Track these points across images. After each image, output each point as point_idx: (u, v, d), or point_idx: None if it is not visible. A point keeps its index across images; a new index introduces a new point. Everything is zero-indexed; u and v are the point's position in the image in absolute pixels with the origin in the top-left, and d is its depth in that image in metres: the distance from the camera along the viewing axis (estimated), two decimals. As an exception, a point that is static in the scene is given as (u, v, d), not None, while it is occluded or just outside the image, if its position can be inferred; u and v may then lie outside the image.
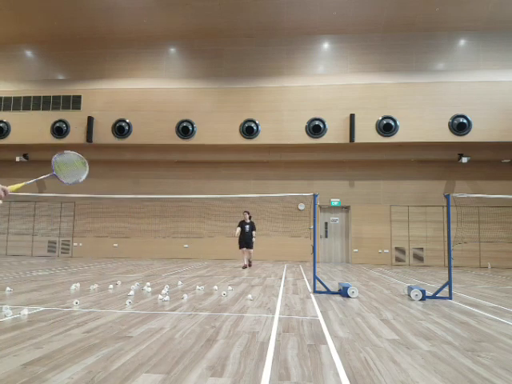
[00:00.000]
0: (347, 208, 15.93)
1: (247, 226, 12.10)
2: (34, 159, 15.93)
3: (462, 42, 14.68)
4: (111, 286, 6.99)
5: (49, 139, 15.23)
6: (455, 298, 6.63)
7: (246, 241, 12.00)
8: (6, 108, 15.74)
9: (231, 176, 16.11)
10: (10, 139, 15.50)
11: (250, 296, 6.11)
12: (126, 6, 14.51)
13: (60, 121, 15.33)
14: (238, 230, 11.94)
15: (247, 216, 12.18)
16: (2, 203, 2.47)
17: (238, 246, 12.20)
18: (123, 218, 15.72)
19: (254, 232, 12.12)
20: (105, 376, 2.64)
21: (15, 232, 16.46)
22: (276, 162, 15.78)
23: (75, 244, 16.12)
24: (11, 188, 2.54)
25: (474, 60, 14.49)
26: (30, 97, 15.69)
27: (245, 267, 11.92)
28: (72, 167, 2.79)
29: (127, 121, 15.16)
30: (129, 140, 15.15)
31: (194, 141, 14.92)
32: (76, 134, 15.21)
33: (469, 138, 13.95)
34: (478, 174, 15.20)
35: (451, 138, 14.04)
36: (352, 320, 4.67)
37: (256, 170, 16.08)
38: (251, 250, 12.15)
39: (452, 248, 6.70)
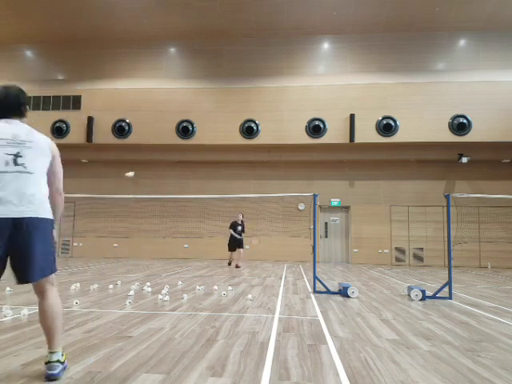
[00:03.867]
0: (347, 208, 15.93)
1: (239, 227, 11.91)
2: (34, 159, 15.90)
3: (462, 42, 14.68)
4: (111, 286, 6.99)
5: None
6: (455, 297, 6.63)
7: (236, 241, 11.81)
8: (6, 108, 15.72)
9: (231, 176, 16.11)
10: None
11: (250, 296, 6.11)
12: (126, 6, 14.50)
13: (60, 121, 15.33)
14: (231, 231, 11.94)
15: (240, 217, 12.06)
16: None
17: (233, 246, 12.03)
18: (123, 218, 15.71)
19: (242, 233, 12.03)
20: (105, 376, 2.64)
21: (15, 232, 16.46)
22: (276, 161, 15.78)
23: (75, 244, 16.12)
24: None
25: (474, 60, 14.50)
26: (30, 97, 15.66)
27: (230, 263, 11.98)
28: None
29: (127, 121, 15.16)
30: (129, 140, 15.15)
31: (194, 141, 14.92)
32: (76, 134, 15.22)
33: (469, 137, 13.95)
34: (478, 174, 15.20)
35: (451, 138, 14.04)
36: (352, 320, 4.67)
37: (256, 170, 16.08)
38: (241, 250, 11.86)
39: (452, 248, 6.70)
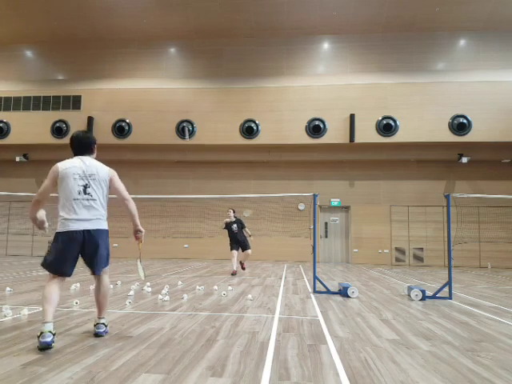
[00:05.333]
0: (347, 208, 15.93)
1: (234, 226, 10.16)
2: (33, 159, 15.93)
3: (462, 42, 14.68)
4: (111, 286, 6.98)
5: (49, 139, 15.24)
6: (455, 298, 6.63)
7: (239, 242, 10.16)
8: (6, 108, 15.74)
9: (231, 176, 16.11)
10: (10, 139, 15.50)
11: (250, 296, 6.11)
12: (126, 6, 14.51)
13: (60, 121, 15.33)
14: (224, 222, 10.24)
15: (232, 214, 10.22)
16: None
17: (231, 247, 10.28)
18: (123, 218, 15.64)
19: (247, 229, 10.32)
20: (105, 376, 2.64)
21: (15, 232, 16.46)
22: (276, 161, 15.78)
23: (75, 244, 16.10)
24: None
25: (474, 60, 14.50)
26: (30, 97, 15.68)
27: (234, 273, 9.88)
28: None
29: (127, 121, 15.16)
30: (129, 140, 15.15)
31: (193, 141, 14.92)
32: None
33: (469, 137, 13.95)
34: (478, 174, 15.20)
35: (451, 138, 14.04)
36: (352, 320, 4.67)
37: (256, 170, 16.08)
38: (249, 251, 10.25)
39: (452, 248, 6.70)
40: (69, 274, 3.55)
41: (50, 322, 3.25)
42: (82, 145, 3.78)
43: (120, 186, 3.84)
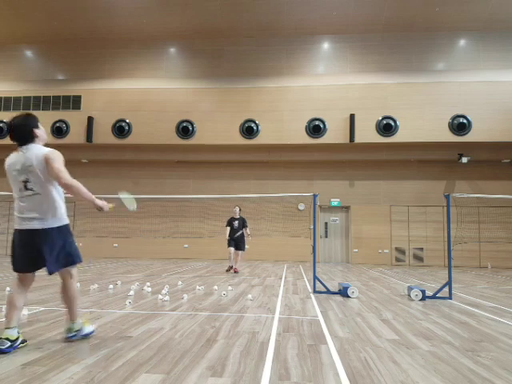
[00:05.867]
0: (347, 208, 15.93)
1: (236, 223, 10.34)
2: (33, 159, 15.91)
3: (462, 42, 14.68)
4: (111, 286, 6.99)
5: (49, 139, 15.01)
6: (455, 297, 6.63)
7: (235, 240, 10.31)
8: (6, 108, 15.74)
9: (231, 176, 16.11)
10: (9, 139, 15.49)
11: (250, 296, 6.11)
12: (126, 6, 14.51)
13: (60, 121, 15.33)
14: (228, 230, 10.44)
15: (237, 211, 10.50)
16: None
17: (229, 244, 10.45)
18: (123, 218, 15.68)
19: (247, 229, 10.44)
20: (105, 376, 2.64)
21: (15, 232, 16.44)
22: (276, 162, 15.78)
23: (75, 244, 16.09)
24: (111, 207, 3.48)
25: (474, 60, 14.50)
26: (30, 97, 15.68)
27: (229, 269, 10.28)
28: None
29: (127, 121, 15.15)
30: (129, 140, 15.14)
31: (194, 141, 14.93)
32: (76, 134, 15.22)
33: (469, 137, 13.95)
34: (478, 174, 15.20)
35: (451, 137, 14.04)
36: (352, 320, 4.67)
37: (256, 170, 16.08)
38: (240, 252, 10.40)
39: (452, 248, 6.70)
40: (28, 271, 3.27)
41: (13, 328, 3.12)
42: (19, 134, 3.28)
43: (56, 168, 3.18)
